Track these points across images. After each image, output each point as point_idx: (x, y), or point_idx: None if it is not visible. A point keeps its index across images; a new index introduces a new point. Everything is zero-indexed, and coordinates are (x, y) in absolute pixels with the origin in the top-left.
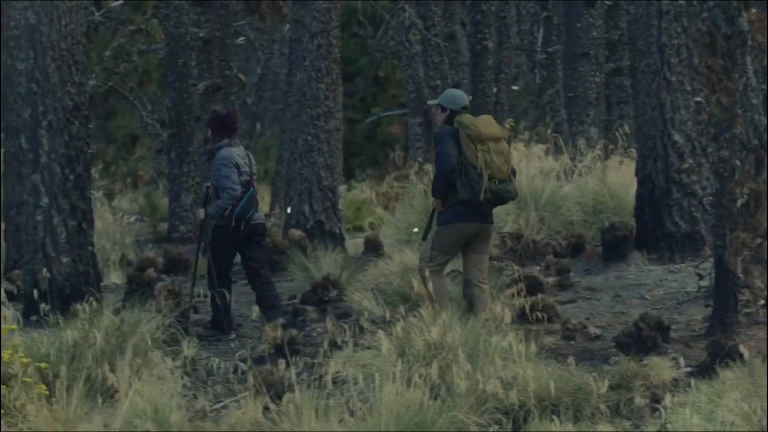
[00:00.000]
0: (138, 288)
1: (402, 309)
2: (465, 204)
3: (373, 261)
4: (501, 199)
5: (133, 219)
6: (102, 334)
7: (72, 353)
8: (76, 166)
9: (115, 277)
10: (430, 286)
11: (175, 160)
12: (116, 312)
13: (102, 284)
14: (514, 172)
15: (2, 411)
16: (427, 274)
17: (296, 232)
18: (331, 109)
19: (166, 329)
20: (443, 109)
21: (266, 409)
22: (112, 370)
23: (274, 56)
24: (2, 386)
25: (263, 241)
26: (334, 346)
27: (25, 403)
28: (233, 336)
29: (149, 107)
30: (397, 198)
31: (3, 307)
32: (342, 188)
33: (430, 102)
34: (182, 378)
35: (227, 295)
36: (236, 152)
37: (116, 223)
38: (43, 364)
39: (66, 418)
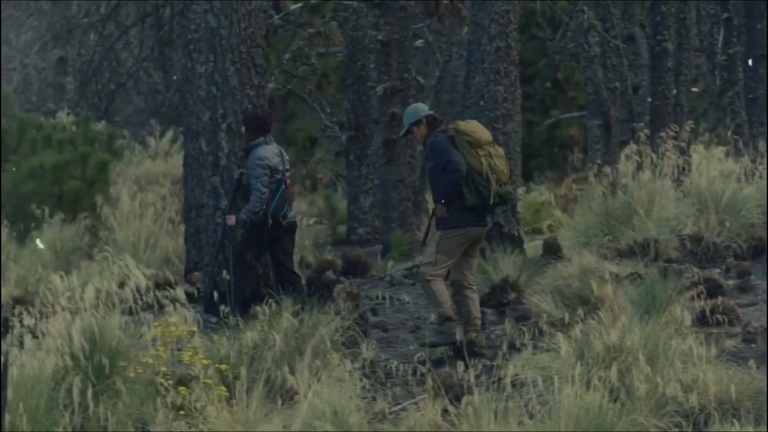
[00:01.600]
0: (317, 290)
1: (581, 311)
2: (472, 209)
3: (552, 263)
4: (506, 201)
5: (312, 221)
6: (281, 336)
7: (252, 355)
8: None
9: None
10: (432, 290)
11: (354, 162)
12: (295, 314)
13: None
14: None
15: (183, 412)
16: (429, 278)
17: None
18: (509, 112)
19: (345, 331)
20: (416, 123)
21: (445, 411)
22: (292, 372)
23: (452, 58)
24: (184, 387)
25: (294, 237)
26: (512, 348)
27: (205, 405)
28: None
29: (328, 110)
30: (576, 200)
31: (184, 309)
32: (521, 190)
33: (402, 132)
34: (361, 380)
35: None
36: (271, 151)
37: None
38: (223, 366)
39: (246, 419)
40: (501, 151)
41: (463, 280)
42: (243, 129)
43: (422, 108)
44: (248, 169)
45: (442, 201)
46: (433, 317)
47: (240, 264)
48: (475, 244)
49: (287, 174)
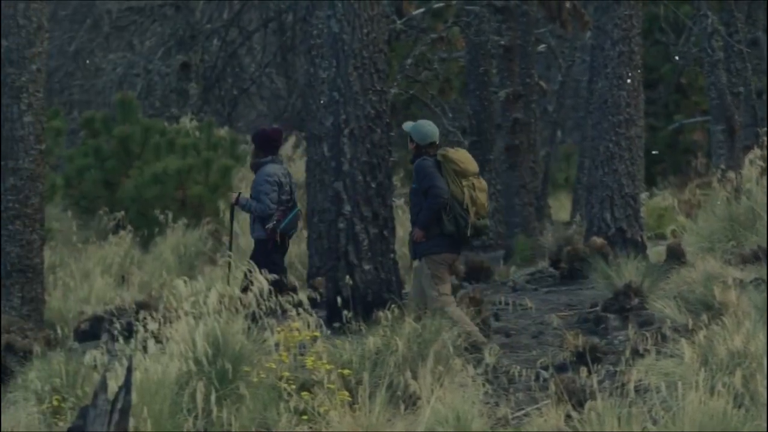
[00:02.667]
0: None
1: (704, 317)
2: (448, 236)
3: (676, 269)
4: (480, 234)
5: None
6: (404, 341)
7: (374, 360)
8: (377, 173)
9: None
10: (455, 320)
11: None
12: (418, 319)
13: (403, 291)
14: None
15: (306, 417)
16: (447, 309)
17: (597, 240)
18: (632, 117)
19: (468, 336)
20: (411, 140)
21: (568, 416)
22: (414, 377)
23: (575, 63)
24: (306, 392)
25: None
26: (636, 354)
27: (328, 410)
28: None
29: (450, 115)
30: (700, 205)
31: (306, 314)
32: (644, 196)
33: (404, 126)
34: (484, 385)
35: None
36: (279, 170)
37: None
38: (345, 371)
39: (368, 424)
40: (484, 184)
41: (427, 303)
42: (252, 147)
43: (424, 136)
44: (256, 184)
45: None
46: (555, 322)
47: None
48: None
49: (294, 195)
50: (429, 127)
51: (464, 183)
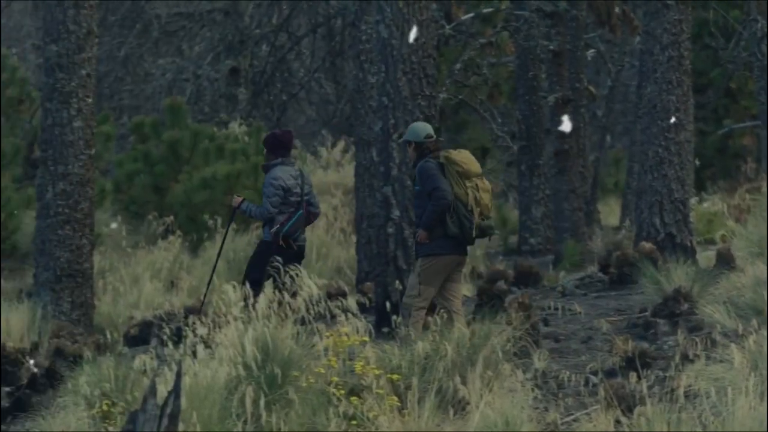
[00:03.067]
0: (488, 300)
1: (754, 322)
2: (452, 238)
3: (725, 274)
4: (486, 234)
5: None
6: (453, 346)
7: (423, 365)
8: None
9: (465, 290)
10: (414, 321)
11: (526, 172)
12: (467, 324)
13: None
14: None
15: (355, 422)
16: (415, 311)
17: (647, 245)
18: (682, 121)
19: (517, 341)
20: (409, 143)
21: (617, 422)
22: (463, 382)
23: (624, 68)
24: (355, 397)
25: (302, 258)
26: (685, 359)
27: (377, 415)
28: None
29: (499, 120)
30: (749, 210)
31: (355, 319)
32: (693, 200)
33: (399, 140)
34: (533, 390)
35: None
36: (288, 172)
37: None
38: (394, 376)
39: (417, 429)
40: (488, 185)
41: (449, 306)
42: (264, 149)
43: (417, 133)
44: (263, 186)
45: (423, 227)
46: (604, 327)
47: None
48: (456, 271)
49: (307, 197)
50: (421, 124)
51: (468, 184)
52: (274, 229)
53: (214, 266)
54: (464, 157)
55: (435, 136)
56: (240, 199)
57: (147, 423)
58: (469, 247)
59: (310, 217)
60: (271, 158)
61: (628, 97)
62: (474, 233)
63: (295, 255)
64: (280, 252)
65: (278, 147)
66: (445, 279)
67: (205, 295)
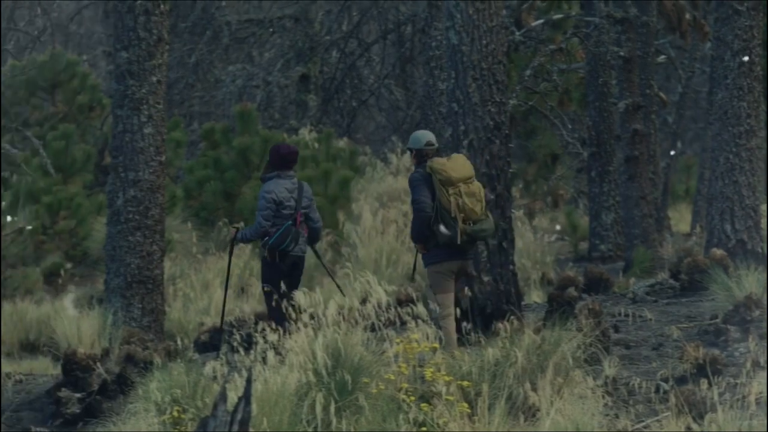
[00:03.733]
0: (559, 307)
1: None
2: (445, 245)
3: None
4: (477, 239)
5: (553, 238)
6: (523, 353)
7: (493, 371)
8: (496, 185)
9: (535, 296)
10: (446, 332)
11: (596, 179)
12: (537, 331)
13: (523, 303)
14: (489, 205)
15: (426, 428)
16: (443, 317)
17: (718, 252)
18: (753, 128)
19: (587, 348)
20: (410, 150)
21: (688, 429)
22: (533, 389)
23: (695, 74)
24: (426, 404)
25: (300, 272)
26: (756, 366)
27: (447, 421)
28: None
29: (569, 126)
30: None
31: (425, 326)
32: (764, 207)
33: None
34: (603, 397)
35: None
36: (283, 185)
37: (537, 242)
38: (465, 383)
39: None
40: (474, 188)
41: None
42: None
43: (418, 140)
44: (258, 200)
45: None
46: (675, 334)
47: (266, 298)
48: (460, 276)
49: (303, 211)
50: (423, 132)
51: (451, 191)
52: (262, 242)
53: (225, 291)
54: (449, 164)
55: (436, 144)
56: (234, 230)
57: (217, 429)
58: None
59: (311, 231)
60: (268, 170)
61: (699, 103)
62: (460, 239)
63: (291, 267)
64: (274, 265)
65: (278, 161)
66: None
67: (222, 314)
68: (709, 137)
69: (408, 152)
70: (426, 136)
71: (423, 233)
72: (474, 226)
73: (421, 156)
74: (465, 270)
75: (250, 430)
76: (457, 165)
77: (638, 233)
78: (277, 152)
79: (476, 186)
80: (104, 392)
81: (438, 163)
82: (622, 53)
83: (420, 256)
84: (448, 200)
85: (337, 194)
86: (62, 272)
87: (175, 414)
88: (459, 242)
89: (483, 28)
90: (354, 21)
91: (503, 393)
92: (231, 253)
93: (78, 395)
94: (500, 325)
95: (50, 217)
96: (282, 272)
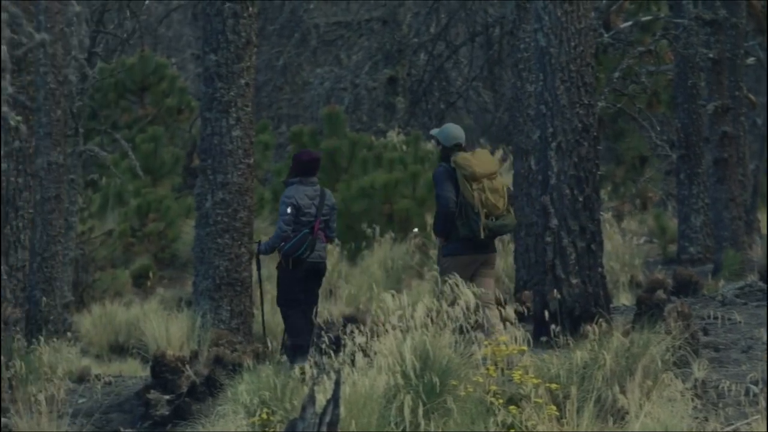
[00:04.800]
0: (647, 309)
1: None
2: (465, 239)
3: None
4: (498, 234)
5: (642, 240)
6: (611, 356)
7: (582, 374)
8: (585, 187)
9: (624, 299)
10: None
11: (685, 181)
12: (626, 333)
13: (611, 305)
14: (512, 201)
15: (514, 431)
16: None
17: None
18: None
19: (676, 351)
20: (438, 142)
21: None
22: (622, 392)
23: None
24: (514, 407)
25: (319, 280)
26: None
27: (536, 424)
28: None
29: (658, 128)
30: None
31: (514, 328)
32: None
33: (431, 132)
34: (693, 400)
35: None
36: (303, 191)
37: (625, 244)
38: (553, 385)
39: None
40: (498, 184)
41: (481, 298)
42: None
43: (448, 137)
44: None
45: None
46: (765, 337)
47: (281, 307)
48: (484, 268)
49: (323, 218)
50: (454, 129)
51: (474, 187)
52: (278, 248)
53: (261, 306)
54: (473, 160)
55: (463, 144)
56: (257, 244)
57: (306, 431)
58: (489, 244)
59: (326, 240)
60: (291, 176)
61: None
62: (483, 234)
63: (311, 273)
64: (290, 272)
65: (299, 168)
66: (474, 275)
67: (264, 329)
68: None
69: (436, 144)
70: (457, 137)
71: (446, 228)
72: (496, 221)
73: (445, 151)
74: (488, 262)
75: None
76: (482, 160)
77: (727, 236)
78: (299, 159)
79: (499, 182)
80: (193, 394)
81: (462, 158)
82: (711, 55)
83: (441, 246)
84: (471, 195)
85: (425, 197)
86: (151, 274)
87: (264, 416)
88: (482, 237)
89: (571, 30)
90: (442, 23)
91: (592, 396)
92: (259, 268)
93: (167, 397)
94: (589, 327)
95: (139, 219)
96: (298, 280)
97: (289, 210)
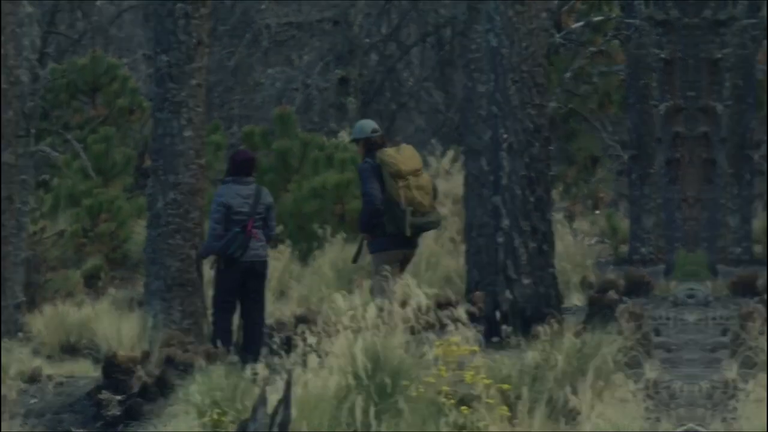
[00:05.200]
0: (599, 310)
1: None
2: (391, 235)
3: None
4: (424, 230)
5: (593, 240)
6: (563, 356)
7: (533, 375)
8: (536, 187)
9: (575, 299)
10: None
11: (636, 181)
12: (577, 334)
13: (563, 306)
14: (435, 196)
15: (465, 431)
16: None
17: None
18: None
19: (628, 351)
20: (357, 141)
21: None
22: (574, 392)
23: None
24: (466, 407)
25: (260, 280)
26: None
27: (487, 424)
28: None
29: (610, 129)
30: None
31: (465, 329)
32: None
33: (348, 140)
34: (645, 401)
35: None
36: (236, 190)
37: (577, 244)
38: (505, 386)
39: None
40: (423, 181)
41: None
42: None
43: (362, 129)
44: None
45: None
46: None
47: (213, 308)
48: (404, 264)
49: (258, 217)
50: (364, 121)
51: (400, 183)
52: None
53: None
54: (399, 156)
55: (380, 131)
56: (194, 250)
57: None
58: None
59: (267, 239)
60: (226, 176)
61: None
62: (409, 231)
63: (248, 274)
64: (223, 271)
65: (233, 167)
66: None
67: (213, 334)
68: None
69: (355, 144)
70: (370, 124)
71: (371, 224)
72: (422, 218)
73: (369, 145)
74: (409, 258)
75: None
76: (407, 156)
77: (679, 236)
78: (233, 159)
79: (425, 178)
80: (144, 395)
81: (388, 155)
82: (662, 55)
83: (366, 242)
84: (398, 193)
85: None
86: (102, 275)
87: (215, 417)
88: (408, 234)
89: (523, 31)
90: (393, 24)
91: (543, 396)
92: (200, 272)
93: (118, 397)
94: (540, 328)
95: (91, 219)
96: (233, 280)
97: (218, 209)
